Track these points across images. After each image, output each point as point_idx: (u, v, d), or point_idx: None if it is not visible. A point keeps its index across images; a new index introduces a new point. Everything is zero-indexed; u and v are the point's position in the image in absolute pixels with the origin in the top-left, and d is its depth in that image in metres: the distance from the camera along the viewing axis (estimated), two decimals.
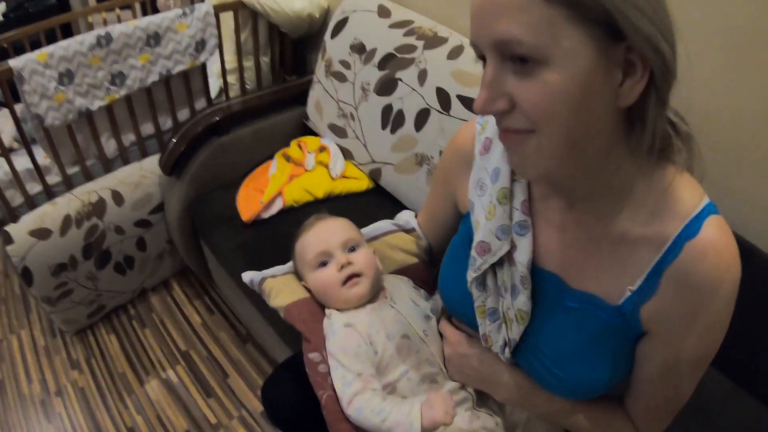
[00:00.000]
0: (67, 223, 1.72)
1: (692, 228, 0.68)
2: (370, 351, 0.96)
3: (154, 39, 1.74)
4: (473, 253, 0.87)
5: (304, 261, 1.08)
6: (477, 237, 0.87)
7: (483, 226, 0.86)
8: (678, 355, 0.75)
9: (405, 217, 1.19)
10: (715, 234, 0.68)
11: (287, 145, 1.90)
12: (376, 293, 1.06)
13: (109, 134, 1.83)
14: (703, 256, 0.68)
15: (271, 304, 1.11)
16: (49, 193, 1.75)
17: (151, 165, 1.89)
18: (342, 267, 1.03)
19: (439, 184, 1.07)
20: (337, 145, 1.83)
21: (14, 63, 1.51)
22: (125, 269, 1.95)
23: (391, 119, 1.64)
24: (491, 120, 0.89)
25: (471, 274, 0.88)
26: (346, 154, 1.81)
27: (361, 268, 1.04)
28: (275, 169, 1.81)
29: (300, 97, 2.00)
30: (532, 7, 0.57)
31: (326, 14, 2.04)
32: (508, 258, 0.84)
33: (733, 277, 0.70)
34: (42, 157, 1.75)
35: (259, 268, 1.47)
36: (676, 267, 0.70)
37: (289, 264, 1.16)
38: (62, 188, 1.77)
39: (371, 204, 1.73)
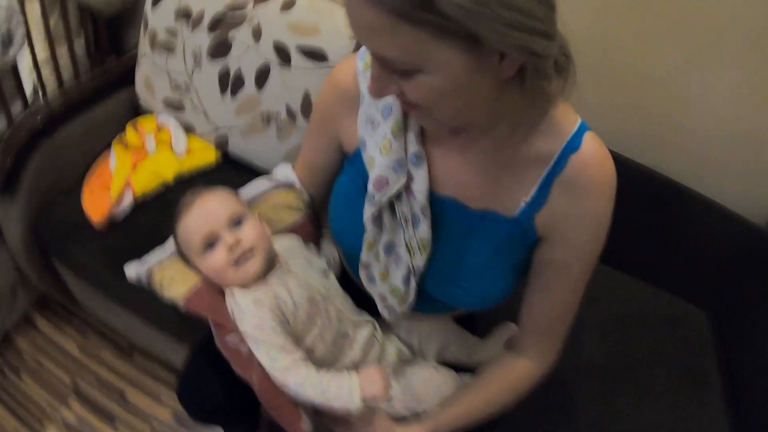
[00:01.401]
0: None
1: (573, 143, 0.81)
2: (284, 321, 0.96)
3: None
4: (370, 189, 0.90)
5: (190, 247, 1.02)
6: (373, 173, 0.89)
7: (378, 162, 0.89)
8: (571, 254, 0.88)
9: (282, 171, 1.17)
10: (594, 146, 0.81)
11: (122, 130, 1.77)
12: (271, 261, 1.03)
13: None
14: (586, 165, 0.81)
15: (166, 296, 1.06)
16: None
17: None
18: (231, 248, 0.98)
19: (318, 126, 1.07)
20: (176, 119, 1.74)
21: None
22: None
23: (230, 82, 1.57)
24: None
25: (368, 210, 0.91)
26: (188, 128, 1.74)
27: (252, 242, 1.00)
28: (115, 160, 1.68)
29: (125, 78, 1.87)
30: (399, 31, 0.61)
31: None
32: (405, 190, 0.89)
33: (611, 181, 0.83)
34: None
35: None
36: (563, 176, 0.82)
37: (171, 244, 1.11)
38: None
39: (227, 177, 1.64)
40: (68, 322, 2.01)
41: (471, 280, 0.93)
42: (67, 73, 1.91)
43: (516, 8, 0.60)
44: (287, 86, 1.47)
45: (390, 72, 0.68)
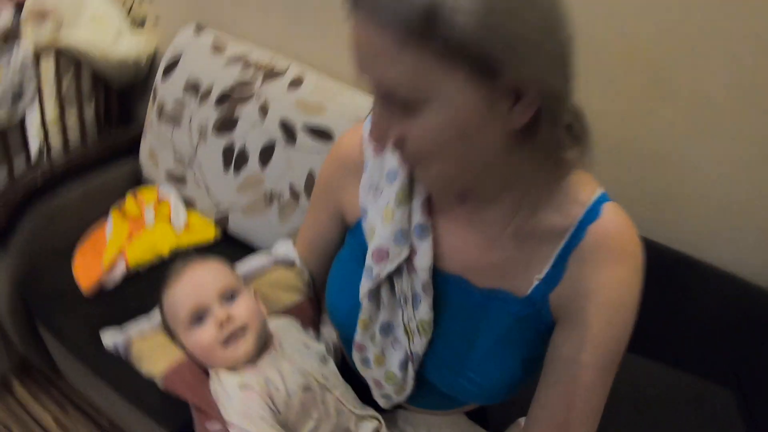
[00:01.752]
0: None
1: (593, 213, 0.74)
2: (275, 411, 0.85)
3: None
4: (368, 261, 0.83)
5: (176, 319, 0.93)
6: (373, 244, 0.83)
7: (380, 232, 0.83)
8: (590, 338, 0.75)
9: (283, 248, 1.09)
10: (615, 216, 0.74)
11: (122, 199, 1.77)
12: (264, 342, 0.93)
13: None
14: (605, 235, 0.73)
15: (144, 371, 0.95)
16: None
17: None
18: (221, 324, 0.88)
19: (320, 199, 1.02)
20: (177, 193, 1.73)
21: None
22: None
23: (234, 158, 1.57)
24: None
25: (365, 285, 0.84)
26: (189, 203, 1.73)
27: (244, 320, 0.90)
28: (111, 228, 1.66)
29: (131, 149, 1.88)
30: (405, 55, 0.57)
31: (153, 60, 1.94)
32: (407, 265, 0.82)
33: (635, 251, 0.75)
34: None
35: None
36: (580, 249, 0.74)
37: (157, 315, 1.02)
38: None
39: (225, 254, 1.58)
40: (47, 392, 1.93)
41: (477, 369, 0.82)
42: (73, 136, 1.96)
43: (534, 27, 0.57)
44: (291, 165, 1.46)
45: (392, 110, 0.63)
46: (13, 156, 1.79)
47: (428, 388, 0.90)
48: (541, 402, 0.81)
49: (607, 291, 0.74)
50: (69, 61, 1.86)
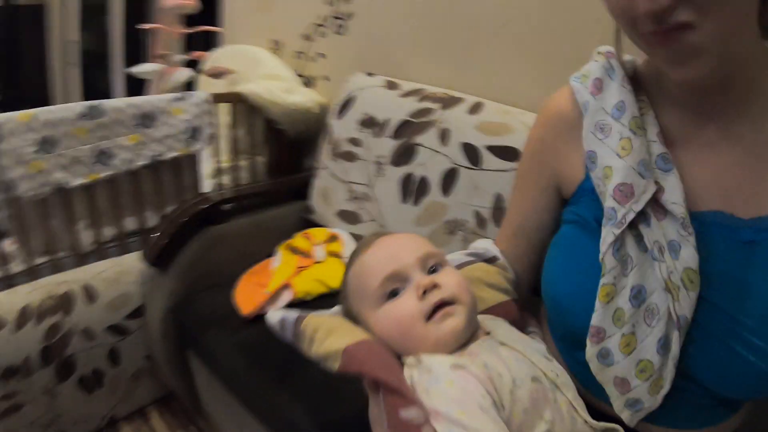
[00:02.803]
0: (24, 315, 1.52)
1: None
2: (497, 403, 0.68)
3: (147, 119, 1.70)
4: (610, 205, 0.73)
5: (365, 292, 0.80)
6: (612, 183, 0.73)
7: (618, 167, 0.73)
8: None
9: (482, 245, 0.99)
10: None
11: (288, 239, 1.76)
12: (473, 332, 0.79)
13: (86, 222, 1.71)
14: None
15: (315, 350, 0.82)
16: (9, 283, 1.59)
17: (131, 261, 1.75)
18: (425, 292, 0.76)
19: (528, 174, 0.93)
20: (351, 233, 1.72)
21: None
22: (92, 387, 1.71)
23: (414, 189, 1.56)
24: (592, 67, 0.83)
25: (608, 236, 0.73)
26: None
27: (453, 292, 0.77)
28: (279, 261, 1.66)
29: (300, 192, 1.94)
30: None
31: (324, 111, 2.02)
32: (652, 206, 0.72)
33: None
34: (7, 243, 1.61)
35: (268, 375, 1.32)
36: None
37: (336, 308, 0.92)
38: (25, 279, 1.61)
39: None
40: (184, 427, 1.89)
41: (759, 329, 0.67)
42: (245, 181, 2.05)
43: None
44: (477, 189, 1.42)
45: None
46: (185, 193, 1.88)
47: (686, 386, 0.74)
48: None
49: None
50: (243, 111, 1.99)
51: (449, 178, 1.48)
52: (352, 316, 0.84)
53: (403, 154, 1.58)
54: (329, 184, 1.79)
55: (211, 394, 1.66)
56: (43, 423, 1.65)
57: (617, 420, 0.76)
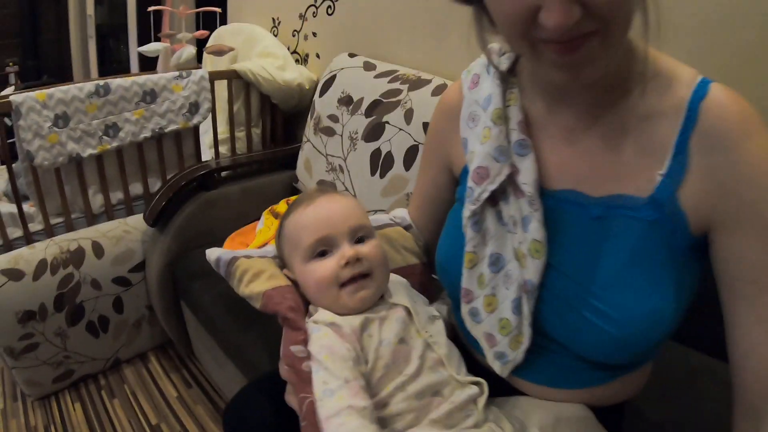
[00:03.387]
0: (41, 267, 1.76)
1: (700, 91, 0.69)
2: (360, 359, 0.81)
3: (150, 95, 1.91)
4: (470, 183, 0.83)
5: (296, 246, 0.90)
6: (472, 165, 0.83)
7: (479, 152, 0.83)
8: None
9: (400, 213, 1.11)
10: (725, 90, 0.69)
11: (276, 204, 1.97)
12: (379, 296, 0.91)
13: (96, 188, 1.94)
14: (721, 109, 0.68)
15: (241, 290, 0.94)
16: (29, 240, 1.83)
17: (135, 221, 1.98)
18: (347, 263, 0.86)
19: (428, 156, 1.04)
20: None
21: (14, 97, 1.65)
22: (98, 331, 1.96)
23: (380, 163, 1.75)
24: (476, 62, 0.92)
25: (468, 210, 0.83)
26: None
27: (371, 266, 0.87)
28: (262, 225, 1.87)
29: (290, 162, 2.15)
30: None
31: (315, 87, 2.20)
32: (511, 186, 0.81)
33: (754, 117, 0.68)
34: (27, 206, 1.85)
35: (239, 322, 1.54)
36: (700, 133, 0.69)
37: (268, 248, 1.03)
38: (43, 237, 1.85)
39: None
40: (177, 371, 2.15)
41: (604, 296, 0.74)
42: (241, 152, 2.27)
43: None
44: None
45: None
46: (185, 162, 2.11)
47: (548, 345, 0.83)
48: (751, 320, 0.70)
49: (762, 169, 0.66)
50: (240, 86, 2.19)
51: (411, 154, 1.66)
52: (281, 257, 0.96)
53: (373, 131, 1.77)
54: (311, 155, 2.00)
55: (198, 339, 1.90)
56: (55, 362, 1.90)
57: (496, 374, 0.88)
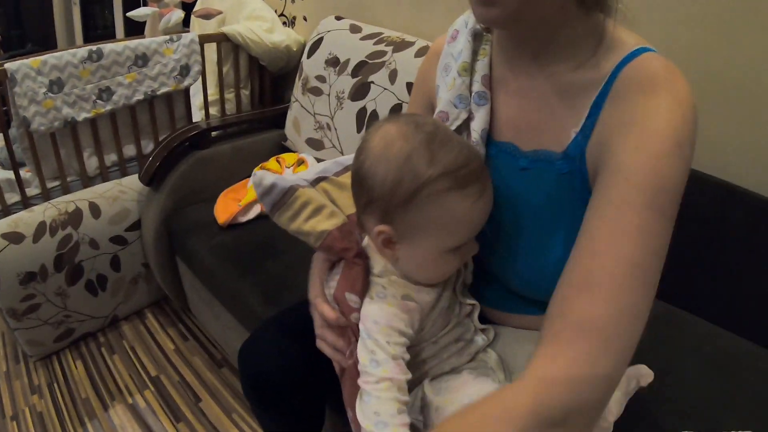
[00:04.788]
0: (41, 229, 1.87)
1: (630, 57, 0.74)
2: (415, 331, 0.85)
3: (141, 59, 2.01)
4: None
5: (444, 231, 0.81)
6: (437, 109, 0.94)
7: (443, 98, 0.93)
8: (620, 176, 0.69)
9: None
10: (654, 58, 0.74)
11: (266, 162, 2.09)
12: None
13: (91, 151, 2.05)
14: (637, 71, 0.73)
15: (298, 225, 0.91)
16: (26, 204, 1.95)
17: (130, 182, 2.10)
18: (465, 254, 0.87)
19: (415, 97, 1.11)
20: (315, 157, 2.02)
21: (9, 65, 1.75)
22: (97, 289, 2.09)
23: (366, 121, 1.87)
24: (458, 19, 1.00)
25: None
26: None
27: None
28: None
29: (278, 121, 2.27)
30: None
31: (303, 49, 2.29)
32: (466, 131, 0.91)
33: (675, 88, 0.71)
34: (23, 171, 1.96)
35: (235, 270, 1.66)
36: (613, 91, 0.74)
37: (322, 167, 1.00)
38: (40, 201, 1.96)
39: None
40: (174, 325, 2.28)
41: (521, 231, 0.86)
42: (230, 113, 2.38)
43: None
44: None
45: None
46: (177, 123, 2.22)
47: (484, 276, 0.95)
48: (568, 266, 0.72)
49: (641, 122, 0.70)
50: (229, 49, 2.30)
51: (395, 113, 1.77)
52: (387, 204, 0.79)
53: (359, 91, 1.89)
54: (299, 115, 2.12)
55: (194, 292, 2.02)
56: (57, 321, 2.02)
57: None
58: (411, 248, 0.82)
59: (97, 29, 3.93)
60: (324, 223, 0.89)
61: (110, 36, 3.74)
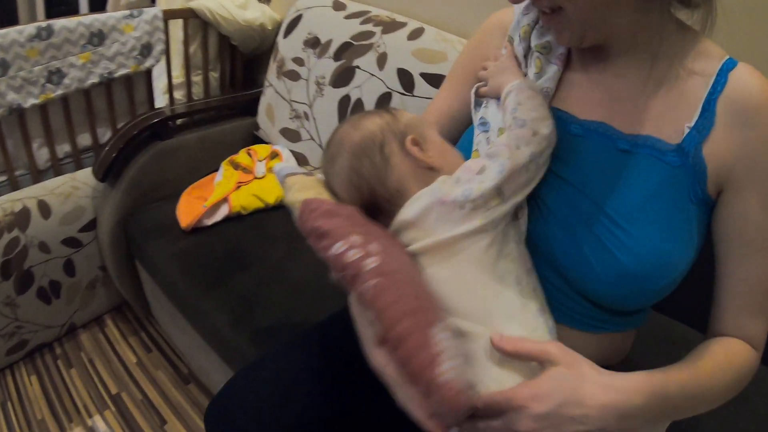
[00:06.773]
0: None
1: (730, 64, 0.80)
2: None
3: (97, 37, 1.85)
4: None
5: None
6: None
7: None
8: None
9: None
10: (752, 68, 0.80)
11: (235, 154, 1.94)
12: None
13: (41, 141, 1.89)
14: (747, 81, 0.79)
15: (286, 199, 0.92)
16: None
17: (85, 176, 1.94)
18: None
19: (460, 71, 1.08)
20: (290, 150, 1.88)
21: None
22: (50, 297, 1.94)
23: (349, 110, 1.73)
24: None
25: (476, 115, 0.96)
26: (300, 160, 1.89)
27: None
28: (221, 176, 1.84)
29: (250, 108, 2.12)
30: None
31: (278, 28, 2.15)
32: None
33: None
34: None
35: (199, 285, 1.53)
36: (726, 97, 0.79)
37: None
38: None
39: None
40: (136, 334, 2.14)
41: (625, 223, 0.79)
42: (197, 98, 2.21)
43: None
44: None
45: None
46: (137, 109, 2.05)
47: (554, 283, 0.85)
48: (727, 274, 0.84)
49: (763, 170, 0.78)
50: (197, 26, 2.13)
51: (383, 102, 1.64)
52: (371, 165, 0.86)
53: (342, 76, 1.74)
54: (273, 101, 1.97)
55: (156, 300, 1.89)
56: (8, 333, 1.88)
57: None
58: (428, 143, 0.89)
59: (60, 5, 3.74)
60: (301, 195, 0.88)
61: (74, 12, 3.55)
